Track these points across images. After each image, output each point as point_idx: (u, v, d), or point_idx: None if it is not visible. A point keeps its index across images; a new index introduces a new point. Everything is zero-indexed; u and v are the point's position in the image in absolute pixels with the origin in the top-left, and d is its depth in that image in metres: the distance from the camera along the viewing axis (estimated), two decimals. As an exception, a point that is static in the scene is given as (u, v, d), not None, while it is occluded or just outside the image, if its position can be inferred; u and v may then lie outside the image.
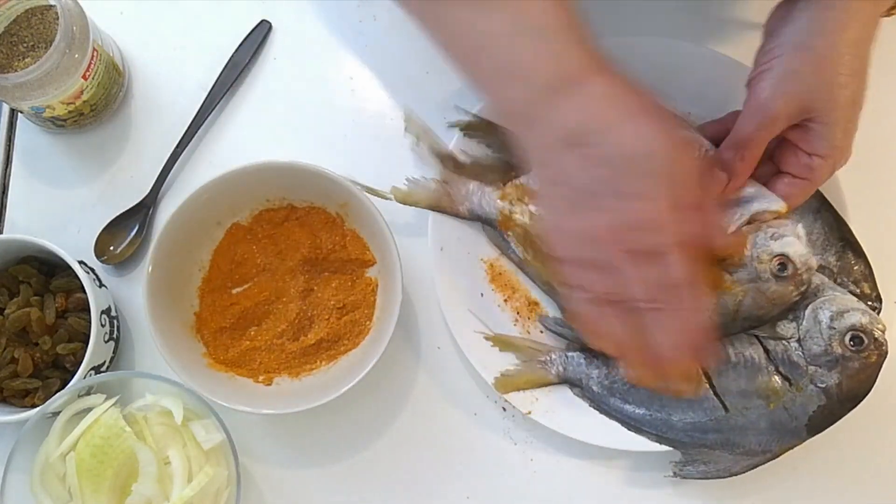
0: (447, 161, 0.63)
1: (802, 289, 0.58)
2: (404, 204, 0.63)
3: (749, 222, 0.58)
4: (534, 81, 0.50)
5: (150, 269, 0.59)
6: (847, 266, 0.61)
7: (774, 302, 0.58)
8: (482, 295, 0.64)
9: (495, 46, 0.50)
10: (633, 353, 0.52)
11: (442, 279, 0.62)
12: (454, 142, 0.64)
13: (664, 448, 0.60)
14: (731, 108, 0.61)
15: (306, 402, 0.58)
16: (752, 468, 0.59)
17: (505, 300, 0.65)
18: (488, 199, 0.62)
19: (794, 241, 0.58)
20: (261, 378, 0.62)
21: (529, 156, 0.53)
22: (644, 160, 0.48)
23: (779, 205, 0.57)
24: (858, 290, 0.61)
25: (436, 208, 0.63)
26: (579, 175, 0.49)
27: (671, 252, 0.48)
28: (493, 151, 0.64)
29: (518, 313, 0.64)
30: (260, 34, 0.69)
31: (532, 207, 0.62)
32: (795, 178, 0.57)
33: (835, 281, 0.61)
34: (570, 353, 0.62)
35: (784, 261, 0.57)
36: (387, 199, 0.63)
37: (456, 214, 0.63)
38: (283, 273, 0.64)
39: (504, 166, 0.64)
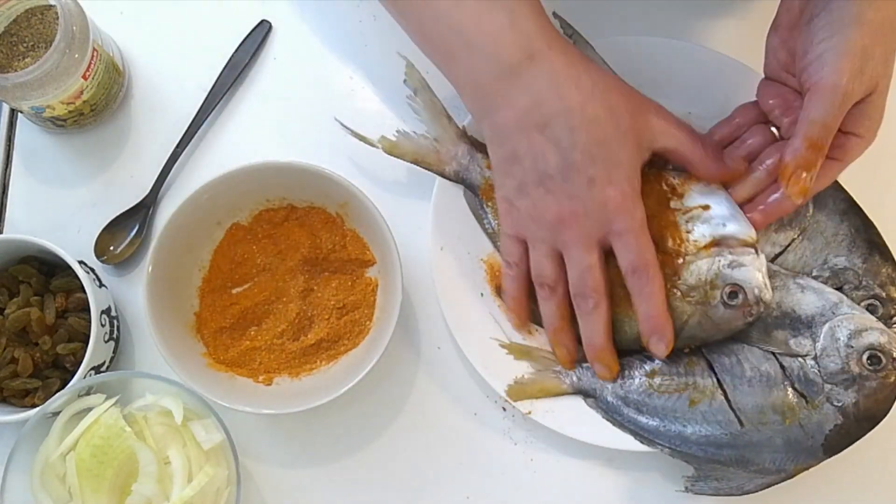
0: (441, 117, 0.63)
1: (750, 319, 0.58)
2: (391, 154, 0.63)
3: (714, 244, 0.57)
4: (499, 57, 0.51)
5: (150, 269, 0.59)
6: (874, 268, 0.60)
7: (720, 327, 0.59)
8: (482, 295, 0.64)
9: (460, 22, 0.51)
10: (558, 335, 0.59)
11: (442, 279, 0.62)
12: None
13: (664, 448, 0.60)
14: (731, 107, 0.61)
15: (306, 402, 0.58)
16: (766, 487, 0.58)
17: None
18: (476, 164, 0.62)
19: (754, 274, 0.57)
20: (261, 378, 0.62)
21: (487, 132, 0.54)
22: (598, 147, 0.50)
23: (750, 234, 0.57)
24: (885, 294, 0.60)
25: (421, 164, 0.63)
26: (535, 157, 0.51)
27: (633, 236, 0.52)
28: None
29: (518, 313, 0.64)
30: (260, 34, 0.69)
31: None
32: (827, 158, 0.53)
33: (860, 283, 0.60)
34: (585, 364, 0.62)
35: (736, 290, 0.57)
36: (375, 147, 0.63)
37: (441, 174, 0.63)
38: (283, 273, 0.64)
39: None
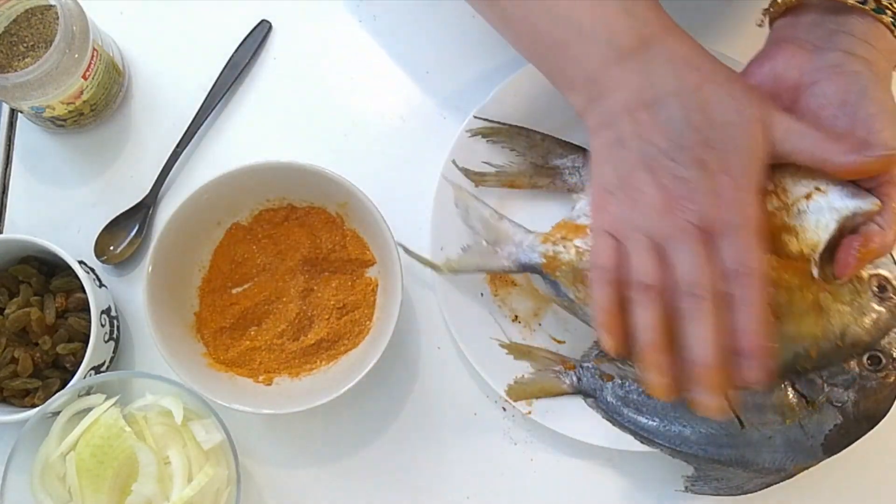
0: (492, 220, 0.60)
1: None
2: (455, 273, 0.62)
3: (842, 231, 0.50)
4: (613, 42, 0.48)
5: (150, 269, 0.59)
6: None
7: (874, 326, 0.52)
8: (482, 295, 0.64)
9: (571, 10, 0.49)
10: (656, 354, 0.47)
11: (442, 279, 0.62)
12: (474, 150, 0.63)
13: (664, 448, 0.60)
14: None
15: (306, 402, 0.58)
16: (766, 487, 0.58)
17: (504, 299, 0.64)
18: (530, 244, 0.58)
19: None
20: (261, 378, 0.62)
21: (591, 123, 0.50)
22: (729, 129, 0.46)
23: (872, 202, 0.49)
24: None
25: (485, 269, 0.62)
26: (642, 139, 0.47)
27: (744, 234, 0.45)
28: (517, 154, 0.64)
29: (517, 313, 0.64)
30: (260, 34, 0.69)
31: (578, 242, 0.56)
32: None
33: None
34: (584, 364, 0.62)
35: (883, 281, 0.52)
36: (441, 272, 0.62)
37: (506, 270, 0.60)
38: (283, 273, 0.64)
39: (531, 169, 0.63)
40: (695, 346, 0.46)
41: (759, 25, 0.56)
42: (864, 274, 0.51)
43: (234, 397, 0.58)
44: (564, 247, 0.56)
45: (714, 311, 0.45)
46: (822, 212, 0.49)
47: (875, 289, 0.52)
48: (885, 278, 0.52)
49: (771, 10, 0.54)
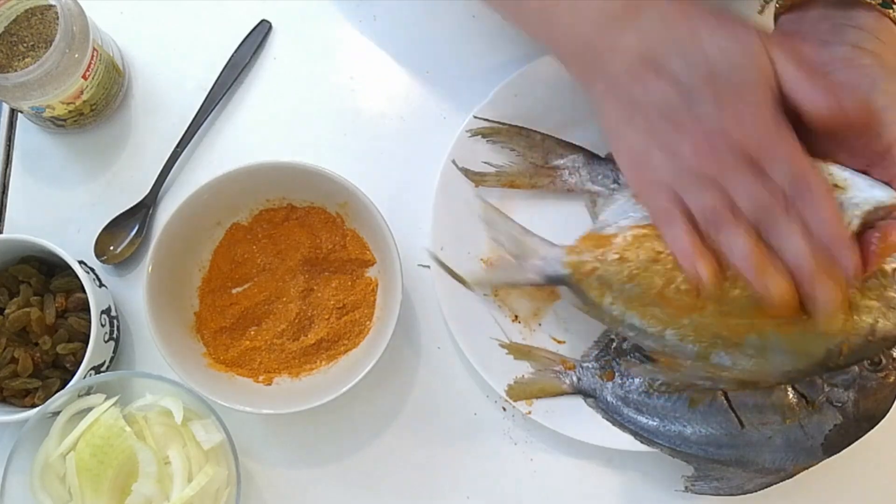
0: (515, 234, 0.60)
1: None
2: (480, 287, 0.62)
3: (865, 226, 0.49)
4: (604, 9, 0.50)
5: (150, 269, 0.59)
6: None
7: None
8: (483, 295, 0.64)
9: None
10: (768, 266, 0.47)
11: (442, 279, 0.62)
12: (474, 151, 0.63)
13: (664, 448, 0.60)
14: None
15: (306, 402, 0.58)
16: (766, 487, 0.58)
17: (504, 299, 0.64)
18: (556, 257, 0.57)
19: None
20: (261, 378, 0.62)
21: (599, 94, 0.52)
22: (733, 62, 0.47)
23: (893, 196, 0.49)
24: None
25: (513, 283, 0.61)
26: (654, 97, 0.49)
27: (786, 148, 0.47)
28: (517, 154, 0.64)
29: (517, 313, 0.64)
30: (260, 34, 0.69)
31: (603, 252, 0.55)
32: None
33: None
34: (584, 364, 0.62)
35: None
36: (468, 286, 0.62)
37: (533, 284, 0.59)
38: (283, 273, 0.64)
39: (531, 169, 0.63)
40: (789, 250, 0.47)
41: (760, 12, 0.57)
42: (888, 268, 0.50)
43: (234, 397, 0.59)
44: (590, 257, 0.56)
45: (792, 218, 0.47)
46: (844, 209, 0.49)
47: None
48: None
49: (777, 5, 0.55)
